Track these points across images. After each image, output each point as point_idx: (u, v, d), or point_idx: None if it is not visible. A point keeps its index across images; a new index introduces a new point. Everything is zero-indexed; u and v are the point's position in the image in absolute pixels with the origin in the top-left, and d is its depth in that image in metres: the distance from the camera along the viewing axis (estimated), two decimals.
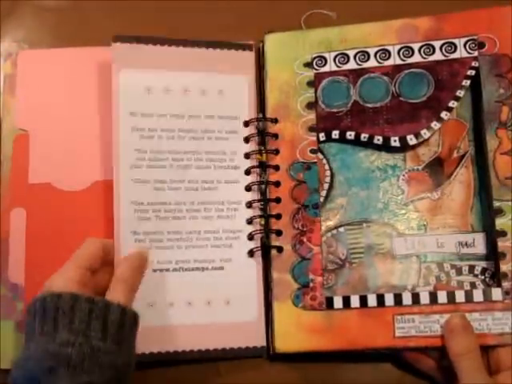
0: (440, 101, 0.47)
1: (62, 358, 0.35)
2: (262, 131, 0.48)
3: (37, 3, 0.54)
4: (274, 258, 0.47)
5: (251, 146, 0.48)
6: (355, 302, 0.45)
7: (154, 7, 0.53)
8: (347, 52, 0.48)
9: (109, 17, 0.53)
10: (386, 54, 0.48)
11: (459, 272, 0.46)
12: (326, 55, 0.49)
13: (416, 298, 0.45)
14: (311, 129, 0.48)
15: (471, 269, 0.46)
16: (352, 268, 0.47)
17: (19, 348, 0.45)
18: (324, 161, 0.49)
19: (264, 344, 0.46)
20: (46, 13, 0.53)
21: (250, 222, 0.47)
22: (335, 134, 0.48)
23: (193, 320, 0.46)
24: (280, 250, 0.46)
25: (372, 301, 0.45)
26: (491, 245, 0.46)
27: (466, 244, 0.46)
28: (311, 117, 0.48)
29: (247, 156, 0.48)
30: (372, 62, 0.48)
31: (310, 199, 0.47)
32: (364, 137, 0.48)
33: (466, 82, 0.47)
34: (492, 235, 0.45)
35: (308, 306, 0.45)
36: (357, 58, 0.48)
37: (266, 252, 0.47)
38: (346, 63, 0.48)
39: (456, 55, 0.47)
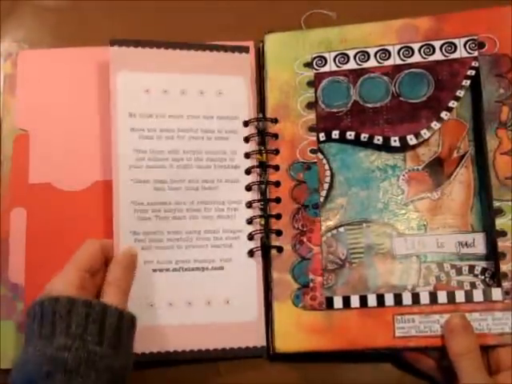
0: (440, 101, 0.47)
1: (58, 362, 0.36)
2: (262, 131, 0.49)
3: (37, 3, 0.54)
4: (274, 257, 0.46)
5: (251, 146, 0.48)
6: (355, 302, 0.45)
7: (153, 7, 0.53)
8: (347, 52, 0.48)
9: (108, 17, 0.53)
10: (386, 54, 0.48)
11: (459, 272, 0.46)
12: (326, 55, 0.49)
13: (416, 298, 0.45)
14: (311, 129, 0.48)
15: (471, 269, 0.46)
16: (352, 268, 0.47)
17: (19, 348, 0.45)
18: (324, 161, 0.49)
19: (264, 344, 0.46)
20: (46, 13, 0.53)
21: (250, 221, 0.47)
22: (335, 133, 0.48)
23: (193, 320, 0.46)
24: (280, 249, 0.46)
25: (372, 301, 0.45)
26: (491, 245, 0.46)
27: (466, 244, 0.46)
28: (311, 117, 0.48)
29: (247, 156, 0.48)
30: (372, 62, 0.48)
31: (310, 199, 0.47)
32: (364, 137, 0.48)
33: (466, 82, 0.47)
34: (492, 235, 0.45)
35: (308, 306, 0.45)
36: (357, 58, 0.48)
37: (266, 252, 0.47)
38: (346, 63, 0.48)
39: (456, 55, 0.47)
